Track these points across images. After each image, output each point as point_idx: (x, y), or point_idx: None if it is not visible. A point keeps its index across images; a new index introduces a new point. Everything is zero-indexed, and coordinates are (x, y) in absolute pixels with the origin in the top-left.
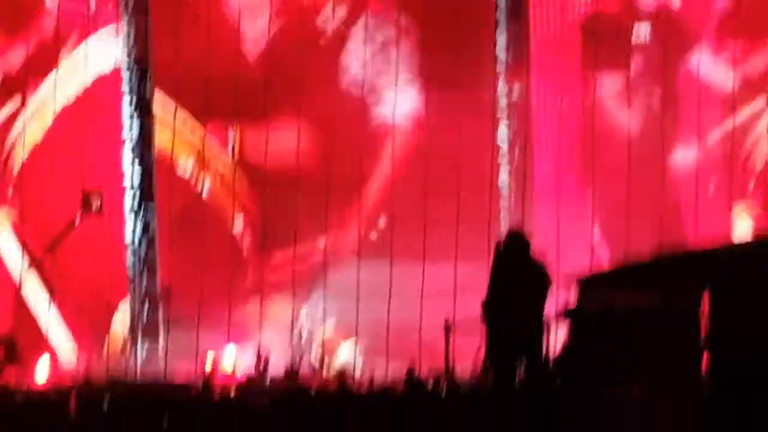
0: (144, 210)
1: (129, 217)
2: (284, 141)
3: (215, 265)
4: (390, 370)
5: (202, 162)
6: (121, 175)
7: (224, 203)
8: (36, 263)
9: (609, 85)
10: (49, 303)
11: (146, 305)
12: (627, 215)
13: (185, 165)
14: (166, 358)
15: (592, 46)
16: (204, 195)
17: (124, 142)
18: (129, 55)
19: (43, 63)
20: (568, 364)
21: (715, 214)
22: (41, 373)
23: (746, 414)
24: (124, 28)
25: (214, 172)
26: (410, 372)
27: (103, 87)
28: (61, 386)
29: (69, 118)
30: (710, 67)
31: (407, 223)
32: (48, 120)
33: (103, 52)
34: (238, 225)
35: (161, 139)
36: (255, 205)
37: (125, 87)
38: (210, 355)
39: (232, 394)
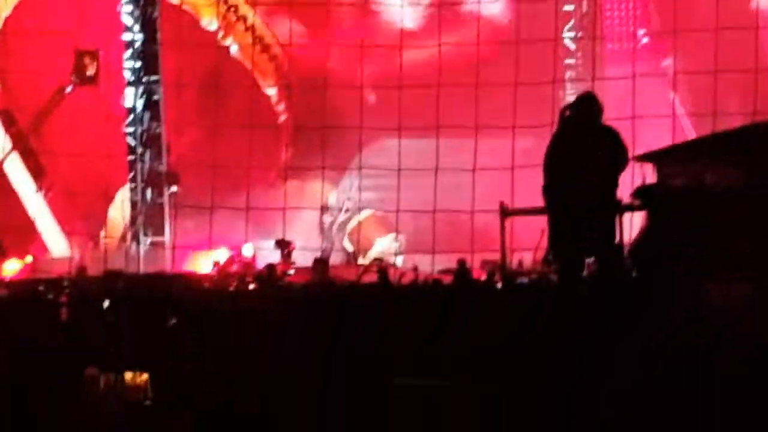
0: (147, 75)
1: (129, 85)
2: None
3: (238, 138)
4: (437, 262)
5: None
6: (120, 31)
7: (258, 64)
8: (21, 140)
9: None
10: (37, 188)
11: (149, 190)
12: (714, 78)
13: (209, 20)
14: (173, 252)
15: None
16: (234, 53)
17: None
18: None
19: None
20: (644, 252)
21: None
22: (28, 266)
23: None
24: None
25: (242, 30)
26: (461, 262)
27: None
28: (52, 280)
29: None
30: None
31: (454, 90)
32: None
33: None
34: (272, 91)
35: None
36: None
37: None
38: (223, 252)
39: (251, 286)
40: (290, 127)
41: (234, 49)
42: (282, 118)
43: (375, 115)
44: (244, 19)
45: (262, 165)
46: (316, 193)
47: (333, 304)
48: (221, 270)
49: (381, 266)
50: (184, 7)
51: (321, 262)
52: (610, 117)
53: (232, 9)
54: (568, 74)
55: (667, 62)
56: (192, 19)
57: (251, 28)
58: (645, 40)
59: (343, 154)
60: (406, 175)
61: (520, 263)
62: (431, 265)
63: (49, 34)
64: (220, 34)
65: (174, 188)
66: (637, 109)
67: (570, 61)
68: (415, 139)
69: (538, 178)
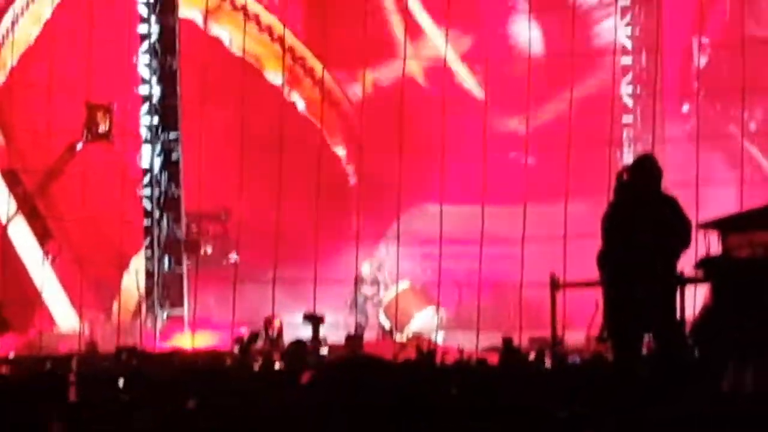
0: (166, 132)
1: (145, 142)
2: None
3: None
4: (482, 338)
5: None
6: (136, 84)
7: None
8: (27, 201)
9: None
10: (43, 254)
11: (167, 258)
12: None
13: (275, 73)
14: (194, 326)
15: None
16: (301, 109)
17: (140, 41)
18: None
19: None
20: (708, 329)
21: None
22: (34, 340)
23: None
24: None
25: (310, 85)
26: (506, 340)
27: None
28: (60, 357)
29: (71, 10)
30: None
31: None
32: (44, 13)
33: None
34: (341, 151)
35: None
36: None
37: None
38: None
39: (277, 365)
40: (360, 191)
41: (301, 106)
42: (352, 181)
43: (414, 177)
44: (312, 72)
45: (329, 233)
46: (350, 262)
47: (368, 386)
48: (245, 347)
49: (420, 343)
50: (247, 58)
51: (354, 339)
52: (673, 180)
53: (299, 61)
54: (626, 133)
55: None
56: (256, 71)
57: (320, 83)
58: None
59: (379, 220)
60: (447, 244)
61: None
62: (475, 341)
63: (58, 86)
64: (286, 89)
65: (234, 256)
66: (702, 171)
67: (628, 119)
68: (458, 205)
69: (592, 248)
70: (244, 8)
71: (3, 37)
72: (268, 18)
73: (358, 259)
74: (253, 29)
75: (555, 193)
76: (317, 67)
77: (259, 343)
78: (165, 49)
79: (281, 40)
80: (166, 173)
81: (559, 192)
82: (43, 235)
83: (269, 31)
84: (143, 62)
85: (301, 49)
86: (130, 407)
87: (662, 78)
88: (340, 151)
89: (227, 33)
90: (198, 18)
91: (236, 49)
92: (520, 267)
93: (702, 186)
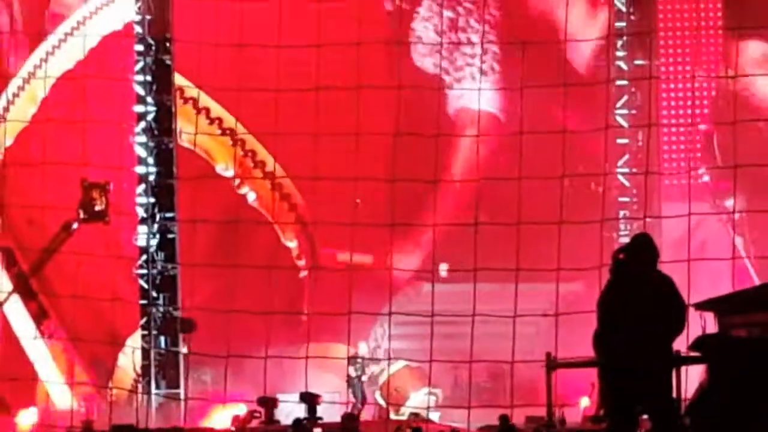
0: (161, 213)
1: (142, 223)
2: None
3: (256, 287)
4: (479, 418)
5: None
6: (132, 164)
7: (277, 213)
8: (22, 281)
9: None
10: (39, 333)
11: (163, 338)
12: None
13: (225, 166)
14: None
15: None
16: (251, 201)
17: (136, 120)
18: (145, 15)
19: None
20: (704, 410)
21: None
22: (29, 422)
23: None
24: None
25: (261, 177)
26: (503, 418)
27: (112, 50)
28: None
29: (66, 92)
30: None
31: (494, 230)
32: (40, 94)
33: (111, 12)
34: (291, 239)
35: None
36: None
37: (139, 55)
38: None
39: None
40: (310, 281)
41: (251, 198)
42: (302, 274)
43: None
44: (263, 165)
45: (281, 322)
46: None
47: None
48: (241, 426)
49: (416, 423)
50: (197, 150)
51: (350, 418)
52: (668, 258)
53: (250, 154)
54: (622, 213)
55: (730, 202)
56: (206, 164)
57: (270, 175)
58: (706, 177)
59: (374, 299)
60: (444, 323)
61: (563, 419)
62: (471, 420)
63: (54, 165)
64: (236, 182)
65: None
66: (700, 250)
67: (624, 199)
68: (453, 283)
69: (587, 327)
70: (194, 101)
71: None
72: (218, 110)
73: (356, 338)
74: (202, 122)
75: (548, 270)
76: (269, 160)
77: (254, 423)
78: (161, 128)
79: (232, 132)
80: (163, 253)
81: (553, 269)
82: (39, 315)
83: (219, 123)
84: (139, 141)
85: (252, 142)
86: None
87: (659, 157)
88: (291, 244)
89: (177, 125)
90: None
91: (187, 143)
92: (516, 345)
93: (701, 264)
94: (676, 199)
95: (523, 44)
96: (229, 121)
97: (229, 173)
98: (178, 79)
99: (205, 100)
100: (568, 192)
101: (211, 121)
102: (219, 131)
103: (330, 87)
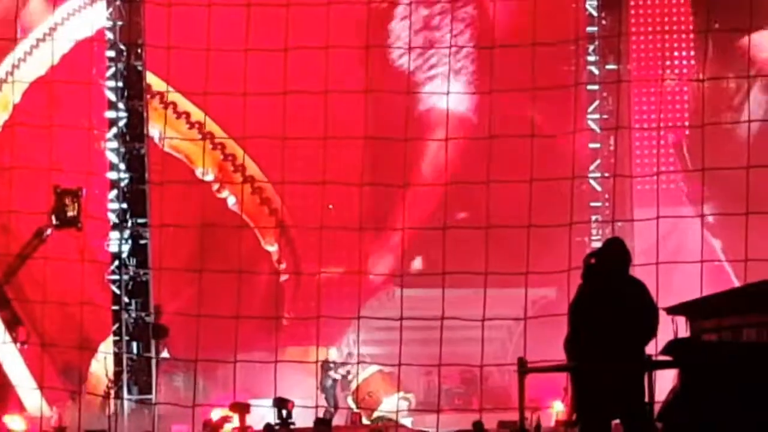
0: (133, 218)
1: (114, 228)
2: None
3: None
4: (452, 423)
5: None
6: (104, 169)
7: (257, 217)
8: None
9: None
10: (12, 341)
11: (135, 344)
12: (748, 223)
13: (204, 170)
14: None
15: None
16: (231, 206)
17: (108, 126)
18: (114, 24)
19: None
20: (676, 414)
21: None
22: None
23: None
24: None
25: (240, 181)
26: (476, 424)
27: (83, 55)
28: None
29: (39, 97)
30: None
31: (465, 234)
32: (11, 100)
33: (83, 18)
34: (271, 243)
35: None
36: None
37: (110, 61)
38: (217, 412)
39: None
40: (293, 286)
41: (231, 201)
42: (283, 278)
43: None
44: (243, 169)
45: (262, 326)
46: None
47: None
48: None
49: (387, 427)
50: (176, 155)
51: (323, 423)
52: (643, 261)
53: (230, 158)
54: (594, 217)
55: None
56: (185, 167)
57: (250, 179)
58: (681, 183)
59: (344, 305)
60: (419, 329)
61: (538, 426)
62: (444, 425)
63: (26, 170)
64: (216, 186)
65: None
66: (675, 254)
67: (596, 203)
68: (427, 288)
69: (561, 331)
70: (174, 105)
71: None
72: (198, 115)
73: (329, 343)
74: (182, 126)
75: (517, 274)
76: (249, 163)
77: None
78: (133, 134)
79: (211, 137)
80: (135, 258)
81: (521, 273)
82: (11, 322)
83: (199, 127)
84: (111, 147)
85: (232, 146)
86: None
87: (631, 162)
88: (271, 248)
89: (157, 131)
90: None
91: (167, 148)
92: (489, 350)
93: (676, 268)
94: (650, 205)
95: (491, 48)
96: (209, 125)
97: (209, 177)
98: (158, 84)
99: (185, 105)
100: (542, 196)
101: (191, 125)
102: (199, 135)
103: (299, 91)
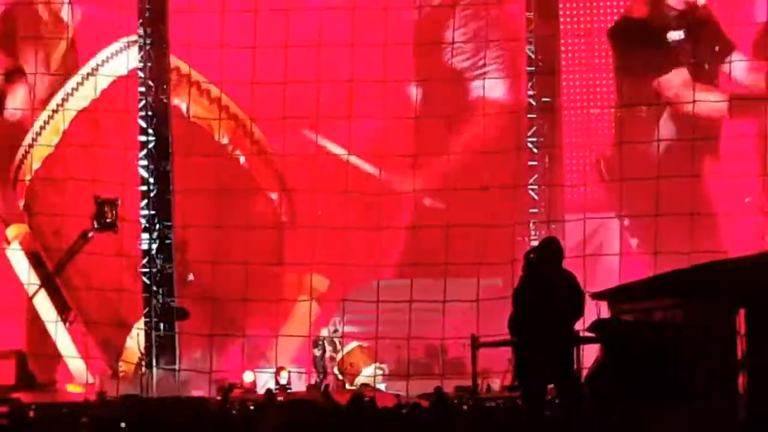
0: (160, 223)
1: (144, 231)
2: None
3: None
4: (419, 388)
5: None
6: (137, 183)
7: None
8: (48, 279)
9: (640, 90)
10: (61, 320)
11: (162, 325)
12: (657, 225)
13: (221, 134)
14: (177, 379)
15: (621, 51)
16: (242, 162)
17: (140, 148)
18: (145, 64)
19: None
20: (599, 379)
21: (751, 227)
22: (54, 390)
23: None
24: (142, 36)
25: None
26: (437, 388)
27: (121, 91)
28: (74, 404)
29: (84, 124)
30: (743, 70)
31: (430, 232)
32: (62, 127)
33: (121, 59)
34: (274, 195)
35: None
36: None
37: (141, 95)
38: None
39: (252, 407)
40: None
41: (242, 160)
42: (284, 218)
43: (360, 255)
44: (252, 134)
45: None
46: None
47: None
48: (225, 395)
49: (366, 391)
50: (200, 123)
51: (314, 387)
52: (570, 255)
53: (241, 126)
54: (533, 221)
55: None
56: (206, 133)
57: (257, 142)
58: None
59: (331, 294)
60: (389, 310)
61: (489, 388)
62: (412, 389)
63: (73, 183)
64: (230, 147)
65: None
66: (598, 250)
67: (534, 210)
68: (397, 279)
69: (505, 314)
70: (197, 84)
71: (29, 146)
72: (216, 92)
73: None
74: (204, 101)
75: (471, 264)
76: (256, 130)
77: (235, 392)
78: (160, 155)
79: (227, 109)
80: (162, 255)
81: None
82: (61, 307)
83: (218, 102)
84: (142, 165)
85: (243, 117)
86: None
87: (562, 173)
88: (274, 195)
89: (184, 104)
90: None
91: (192, 118)
92: (448, 328)
93: (598, 259)
94: (578, 210)
95: (424, 81)
96: (225, 100)
97: (225, 140)
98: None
99: (206, 84)
100: (493, 203)
101: (211, 101)
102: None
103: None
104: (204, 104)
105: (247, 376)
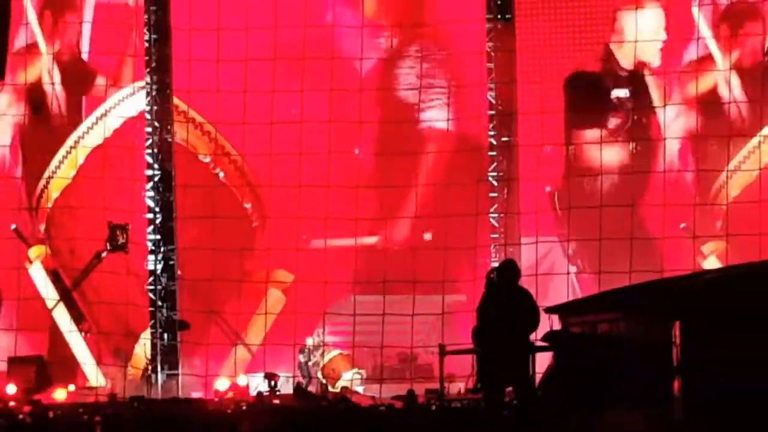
0: (165, 246)
1: (151, 253)
2: None
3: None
4: (393, 390)
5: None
6: (145, 210)
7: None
8: (66, 294)
9: (589, 135)
10: (78, 330)
11: (166, 334)
12: (602, 247)
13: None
14: (178, 383)
15: (572, 98)
16: (222, 178)
17: (147, 180)
18: (152, 107)
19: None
20: (551, 383)
21: (684, 250)
22: (71, 392)
23: None
24: (149, 83)
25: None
26: (409, 391)
27: (130, 130)
28: (89, 404)
29: (98, 159)
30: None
31: (403, 255)
32: (78, 161)
33: (131, 102)
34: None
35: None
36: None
37: (148, 134)
38: (222, 382)
39: (244, 407)
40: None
41: (221, 175)
42: (255, 224)
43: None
44: (229, 154)
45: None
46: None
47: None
48: (220, 397)
49: (348, 392)
50: (187, 146)
51: (300, 390)
52: (526, 274)
53: (221, 148)
54: (493, 245)
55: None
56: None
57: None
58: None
59: (311, 307)
60: (365, 322)
61: (459, 391)
62: (386, 392)
63: (88, 210)
64: (211, 165)
65: None
66: (549, 270)
67: (494, 235)
68: (375, 295)
69: (469, 325)
70: (192, 119)
71: (49, 178)
72: (207, 126)
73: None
74: (191, 128)
75: (436, 282)
76: (232, 151)
77: (231, 394)
78: (164, 187)
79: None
80: (166, 274)
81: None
82: (78, 318)
83: (201, 129)
84: (149, 195)
85: (222, 141)
86: None
87: (519, 201)
88: (246, 205)
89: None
90: None
91: (179, 140)
92: (418, 337)
93: (549, 277)
94: (533, 234)
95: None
96: (207, 127)
97: (207, 159)
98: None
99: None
100: (457, 227)
101: (195, 126)
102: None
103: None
104: (204, 141)
105: (241, 380)
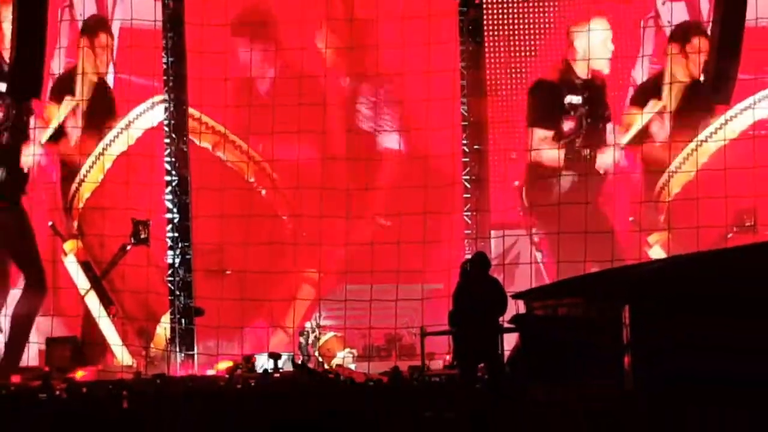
0: (182, 242)
1: (170, 248)
2: None
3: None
4: (380, 367)
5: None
6: (164, 211)
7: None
8: (96, 283)
9: (548, 139)
10: (107, 315)
11: (183, 320)
12: (560, 240)
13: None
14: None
15: (534, 106)
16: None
17: (165, 185)
18: (170, 121)
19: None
20: (519, 362)
21: (633, 241)
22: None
23: (659, 406)
24: (167, 99)
25: (233, 148)
26: (394, 368)
27: (150, 140)
28: (116, 381)
29: (122, 165)
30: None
31: (388, 249)
32: (105, 167)
33: (150, 114)
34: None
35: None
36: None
37: (167, 144)
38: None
39: (252, 383)
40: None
41: (252, 178)
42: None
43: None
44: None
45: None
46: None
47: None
48: (230, 374)
49: (342, 369)
50: (230, 165)
51: (299, 367)
52: (495, 264)
53: (238, 147)
54: (466, 239)
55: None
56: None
57: (239, 147)
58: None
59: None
60: (356, 308)
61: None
62: (374, 369)
63: (114, 210)
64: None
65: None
66: (514, 258)
67: (467, 231)
68: (366, 284)
69: (445, 309)
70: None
71: (80, 181)
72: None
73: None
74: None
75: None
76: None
77: (238, 371)
78: (181, 191)
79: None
80: (183, 267)
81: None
82: (106, 304)
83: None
84: (167, 198)
85: (253, 153)
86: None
87: (489, 199)
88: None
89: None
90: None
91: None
92: (402, 320)
93: (515, 266)
94: (500, 229)
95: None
96: (219, 127)
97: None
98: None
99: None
100: (435, 223)
101: (207, 128)
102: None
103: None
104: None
105: (247, 359)
